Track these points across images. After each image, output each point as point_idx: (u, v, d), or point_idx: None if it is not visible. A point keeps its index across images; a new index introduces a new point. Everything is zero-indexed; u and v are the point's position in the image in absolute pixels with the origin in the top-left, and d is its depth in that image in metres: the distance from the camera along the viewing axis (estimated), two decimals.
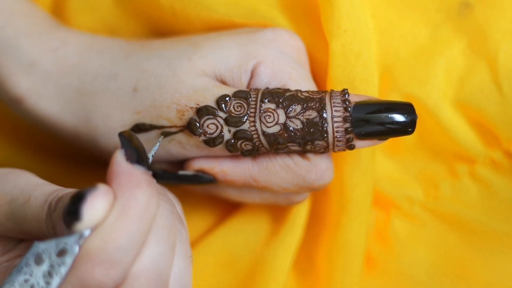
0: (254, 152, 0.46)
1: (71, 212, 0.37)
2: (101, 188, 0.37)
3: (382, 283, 0.54)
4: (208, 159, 0.48)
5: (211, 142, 0.46)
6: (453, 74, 0.51)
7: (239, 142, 0.46)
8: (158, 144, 0.46)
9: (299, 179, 0.47)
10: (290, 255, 0.52)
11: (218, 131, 0.46)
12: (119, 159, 0.38)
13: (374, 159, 0.51)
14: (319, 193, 0.53)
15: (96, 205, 0.37)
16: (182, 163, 0.50)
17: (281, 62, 0.47)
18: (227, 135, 0.46)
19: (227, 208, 0.55)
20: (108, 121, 0.49)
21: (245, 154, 0.46)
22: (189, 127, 0.46)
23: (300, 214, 0.53)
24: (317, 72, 0.51)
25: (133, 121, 0.48)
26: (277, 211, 0.54)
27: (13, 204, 0.42)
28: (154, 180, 0.39)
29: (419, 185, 0.53)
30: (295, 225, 0.52)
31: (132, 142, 0.41)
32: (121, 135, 0.42)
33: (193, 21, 0.52)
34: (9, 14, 0.51)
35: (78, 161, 0.58)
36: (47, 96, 0.50)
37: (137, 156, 0.41)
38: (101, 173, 0.58)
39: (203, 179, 0.48)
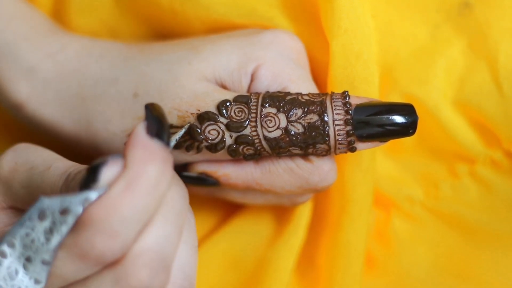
0: (256, 156, 0.46)
1: (89, 178, 0.37)
2: (118, 158, 0.37)
3: (382, 283, 0.54)
4: (210, 163, 0.48)
5: (213, 147, 0.46)
6: (453, 74, 0.51)
7: (241, 147, 0.46)
8: (184, 129, 0.46)
9: (302, 182, 0.47)
10: (293, 256, 0.52)
11: (220, 136, 0.46)
12: (139, 130, 0.37)
13: (375, 159, 0.51)
14: (320, 194, 0.53)
15: (113, 172, 0.37)
16: (184, 165, 0.49)
17: (281, 64, 0.47)
18: (228, 140, 0.46)
19: (230, 209, 0.55)
20: (109, 126, 0.49)
21: (247, 158, 0.46)
22: (191, 133, 0.46)
23: (303, 215, 0.53)
24: (318, 72, 0.51)
25: (134, 126, 0.48)
26: (280, 212, 0.54)
27: (32, 172, 0.41)
28: (171, 158, 0.38)
29: (419, 185, 0.54)
30: (299, 226, 0.52)
31: (154, 112, 0.39)
32: (147, 106, 0.40)
33: (192, 21, 0.52)
34: (8, 18, 0.51)
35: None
36: (47, 101, 0.50)
37: (158, 129, 0.38)
38: None
39: (206, 181, 0.48)
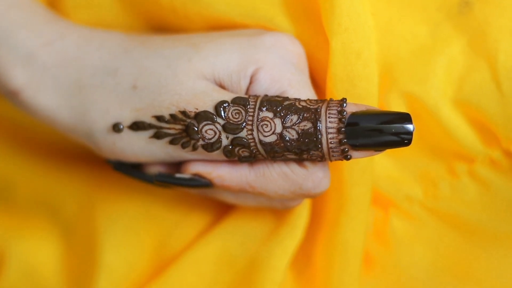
0: (251, 159, 0.47)
1: None
2: None
3: (380, 282, 0.54)
4: (205, 164, 0.48)
5: (209, 147, 0.46)
6: (453, 73, 0.50)
7: (237, 148, 0.46)
8: None
9: (295, 187, 0.47)
10: (287, 255, 0.52)
11: (216, 136, 0.46)
12: None
13: (373, 158, 0.51)
14: None
15: None
16: (179, 165, 0.50)
17: (281, 69, 0.47)
18: (225, 141, 0.46)
19: (225, 207, 0.56)
20: (106, 116, 0.48)
21: (243, 160, 0.47)
22: (187, 131, 0.46)
23: (301, 215, 0.53)
24: (318, 71, 0.51)
25: (132, 118, 0.48)
26: (277, 211, 0.54)
27: None
28: None
29: (418, 184, 0.53)
30: (296, 226, 0.53)
31: None
32: None
33: (193, 19, 0.52)
34: (5, 6, 0.50)
35: (70, 157, 0.59)
36: (44, 89, 0.50)
37: None
38: (95, 169, 0.58)
39: (200, 182, 0.49)
